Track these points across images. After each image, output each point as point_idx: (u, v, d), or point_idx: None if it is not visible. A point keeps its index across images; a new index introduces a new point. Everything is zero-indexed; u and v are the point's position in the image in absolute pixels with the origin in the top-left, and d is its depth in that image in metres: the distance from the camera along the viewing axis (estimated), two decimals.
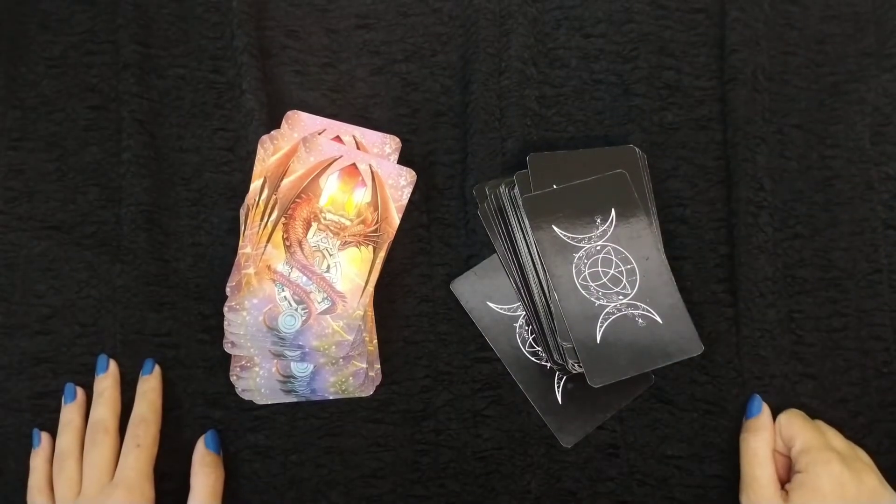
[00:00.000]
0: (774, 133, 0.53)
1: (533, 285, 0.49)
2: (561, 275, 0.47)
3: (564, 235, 0.48)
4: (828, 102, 0.53)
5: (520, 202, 0.49)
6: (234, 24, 0.52)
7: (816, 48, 0.54)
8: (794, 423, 0.47)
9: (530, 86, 0.53)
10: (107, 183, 0.52)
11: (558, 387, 0.49)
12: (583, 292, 0.47)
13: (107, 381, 0.49)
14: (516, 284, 0.50)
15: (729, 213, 0.52)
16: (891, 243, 0.51)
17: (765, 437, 0.47)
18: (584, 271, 0.48)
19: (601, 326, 0.47)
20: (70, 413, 0.49)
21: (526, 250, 0.49)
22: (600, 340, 0.47)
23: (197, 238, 0.52)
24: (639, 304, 0.48)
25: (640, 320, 0.47)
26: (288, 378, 0.49)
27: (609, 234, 0.48)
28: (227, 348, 0.48)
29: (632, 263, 0.48)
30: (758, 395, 0.49)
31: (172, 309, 0.50)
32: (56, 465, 0.47)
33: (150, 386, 0.49)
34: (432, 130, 0.53)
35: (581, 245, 0.48)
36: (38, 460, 0.48)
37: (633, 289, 0.48)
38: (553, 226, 0.48)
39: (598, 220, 0.49)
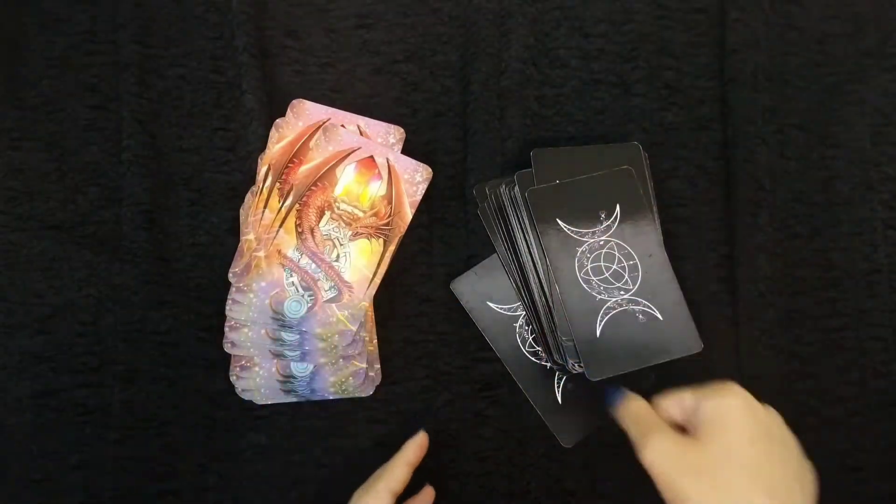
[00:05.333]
0: (774, 133, 0.53)
1: (533, 285, 0.49)
2: (563, 268, 0.48)
3: (568, 229, 0.48)
4: (828, 102, 0.53)
5: (520, 200, 0.49)
6: (234, 24, 0.52)
7: (816, 48, 0.54)
8: (676, 391, 0.43)
9: (530, 86, 0.53)
10: (107, 183, 0.52)
11: (558, 387, 0.49)
12: (584, 286, 0.48)
13: (410, 454, 0.47)
14: (516, 284, 0.50)
15: (729, 213, 0.52)
16: (890, 243, 0.51)
17: (638, 402, 0.43)
18: (587, 265, 0.48)
19: (601, 321, 0.47)
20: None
21: (526, 250, 0.49)
22: (600, 335, 0.47)
23: (197, 238, 0.52)
24: (640, 299, 0.48)
25: (640, 316, 0.47)
26: (288, 378, 0.49)
27: (613, 229, 0.49)
28: (227, 348, 0.48)
29: (634, 259, 0.48)
30: (612, 388, 0.45)
31: (172, 308, 0.50)
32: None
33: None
34: (432, 130, 0.53)
35: (584, 239, 0.48)
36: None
37: (634, 284, 0.48)
38: (557, 219, 0.48)
39: (603, 216, 0.49)
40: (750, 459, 0.38)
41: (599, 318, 0.47)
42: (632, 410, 0.43)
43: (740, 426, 0.38)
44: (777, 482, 0.38)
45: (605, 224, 0.49)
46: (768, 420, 0.40)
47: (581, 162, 0.50)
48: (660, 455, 0.39)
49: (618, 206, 0.49)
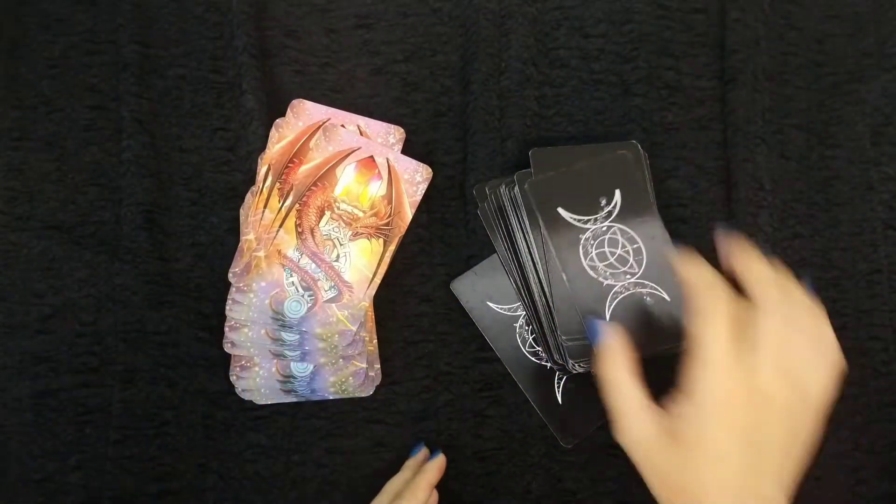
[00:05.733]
0: (774, 133, 0.53)
1: (533, 285, 0.49)
2: (568, 257, 0.48)
3: (571, 217, 0.48)
4: (828, 102, 0.53)
5: (520, 200, 0.49)
6: (234, 24, 0.52)
7: (816, 48, 0.54)
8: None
9: (530, 86, 0.53)
10: (107, 183, 0.52)
11: (558, 387, 0.49)
12: (591, 273, 0.48)
13: (431, 478, 0.48)
14: (516, 284, 0.50)
15: (729, 213, 0.52)
16: (891, 243, 0.51)
17: (616, 362, 0.40)
18: (592, 252, 0.48)
19: (610, 306, 0.47)
20: (413, 462, 0.49)
21: (526, 249, 0.49)
22: (609, 320, 0.47)
23: (197, 238, 0.52)
24: (646, 282, 0.48)
25: (647, 298, 0.47)
26: (288, 378, 0.49)
27: (615, 214, 0.49)
28: (227, 348, 0.48)
29: (638, 243, 0.48)
30: (594, 319, 0.44)
31: (172, 308, 0.50)
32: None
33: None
34: (432, 130, 0.53)
35: (587, 226, 0.48)
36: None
37: (640, 268, 0.48)
38: (559, 209, 0.48)
39: (603, 202, 0.49)
40: (716, 474, 0.37)
41: (608, 303, 0.47)
42: (604, 377, 0.41)
43: (713, 441, 0.37)
44: (745, 487, 0.36)
45: (606, 210, 0.49)
46: (750, 420, 0.37)
47: (580, 160, 0.50)
48: (633, 444, 0.39)
49: (617, 192, 0.49)
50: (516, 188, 0.49)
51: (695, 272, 0.40)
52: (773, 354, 0.37)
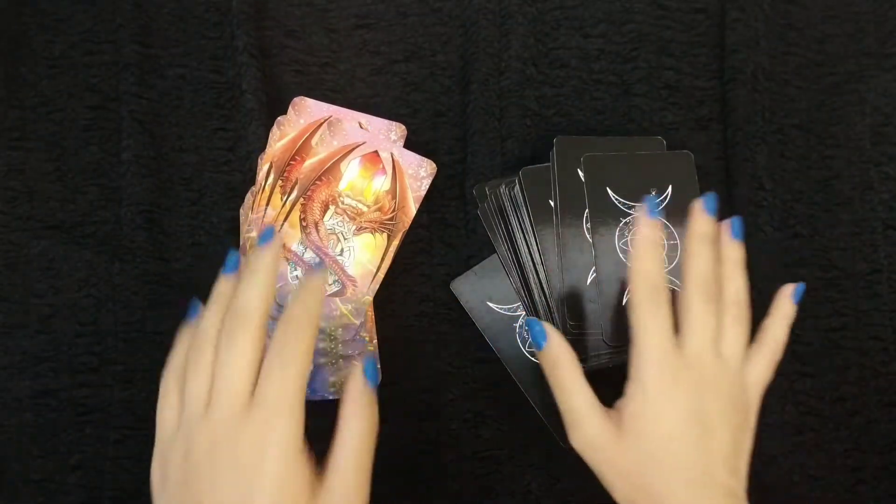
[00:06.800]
0: (774, 133, 0.53)
1: (533, 285, 0.49)
2: (603, 234, 0.48)
3: (616, 199, 0.49)
4: (828, 102, 0.53)
5: (520, 199, 0.49)
6: (234, 24, 0.52)
7: (816, 48, 0.54)
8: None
9: (530, 86, 0.53)
10: (107, 183, 0.52)
11: None
12: (620, 255, 0.48)
13: (266, 257, 0.38)
14: (516, 284, 0.50)
15: (729, 213, 0.52)
16: (891, 243, 0.51)
17: (564, 366, 0.41)
18: (627, 236, 0.48)
19: (629, 291, 0.47)
20: (225, 285, 0.39)
21: (526, 250, 0.49)
22: (625, 304, 0.47)
23: (197, 238, 0.52)
24: (673, 279, 0.48)
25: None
26: None
27: (660, 208, 0.49)
28: None
29: (675, 240, 0.49)
30: (535, 322, 0.43)
31: (172, 308, 0.50)
32: (192, 353, 0.38)
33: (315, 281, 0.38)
34: (432, 130, 0.53)
35: (630, 211, 0.49)
36: (185, 336, 0.40)
37: (670, 263, 0.48)
38: (607, 188, 0.49)
39: (653, 193, 0.49)
40: (668, 456, 0.38)
41: (629, 288, 0.47)
42: (553, 382, 0.41)
43: (660, 422, 0.38)
44: (698, 469, 0.37)
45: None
46: (692, 397, 0.38)
47: (641, 149, 0.51)
48: (588, 446, 0.40)
49: (670, 188, 0.49)
50: (517, 188, 0.49)
51: (646, 263, 0.41)
52: (711, 342, 0.40)
